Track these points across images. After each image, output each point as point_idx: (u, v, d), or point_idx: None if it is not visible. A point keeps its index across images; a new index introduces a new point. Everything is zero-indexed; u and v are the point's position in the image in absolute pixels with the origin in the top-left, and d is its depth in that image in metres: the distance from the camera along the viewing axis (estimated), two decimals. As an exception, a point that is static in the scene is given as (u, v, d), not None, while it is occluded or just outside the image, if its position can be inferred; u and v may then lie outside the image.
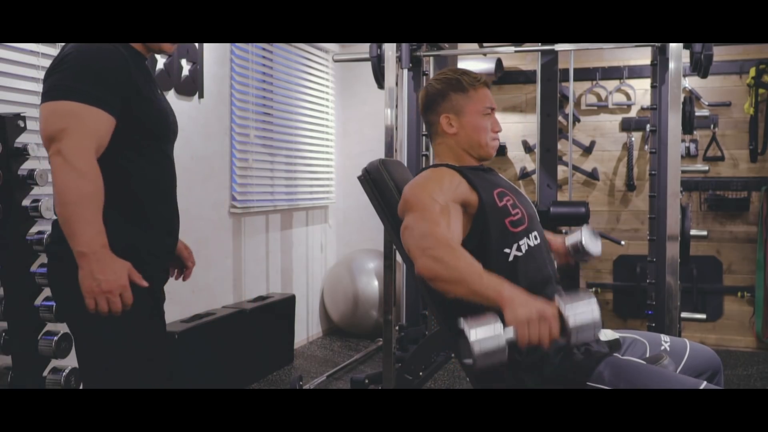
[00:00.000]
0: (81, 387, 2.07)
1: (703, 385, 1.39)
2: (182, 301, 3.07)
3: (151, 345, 1.49)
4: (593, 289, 4.27)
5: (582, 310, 1.23)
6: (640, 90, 4.18)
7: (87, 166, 1.32)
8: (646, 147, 4.07)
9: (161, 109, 1.52)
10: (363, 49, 3.04)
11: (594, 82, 4.26)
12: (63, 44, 1.47)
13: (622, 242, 4.08)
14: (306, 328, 4.24)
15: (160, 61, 2.92)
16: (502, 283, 1.33)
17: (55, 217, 1.48)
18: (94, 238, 1.31)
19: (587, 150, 4.30)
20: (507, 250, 1.53)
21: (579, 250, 1.72)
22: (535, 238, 1.58)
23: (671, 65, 2.45)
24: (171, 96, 3.02)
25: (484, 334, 1.21)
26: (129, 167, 1.44)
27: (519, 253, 1.53)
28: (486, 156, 1.69)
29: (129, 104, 1.41)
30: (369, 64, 2.91)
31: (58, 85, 1.35)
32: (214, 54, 3.32)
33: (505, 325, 1.24)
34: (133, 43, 1.49)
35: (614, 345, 1.58)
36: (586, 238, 1.71)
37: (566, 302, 1.24)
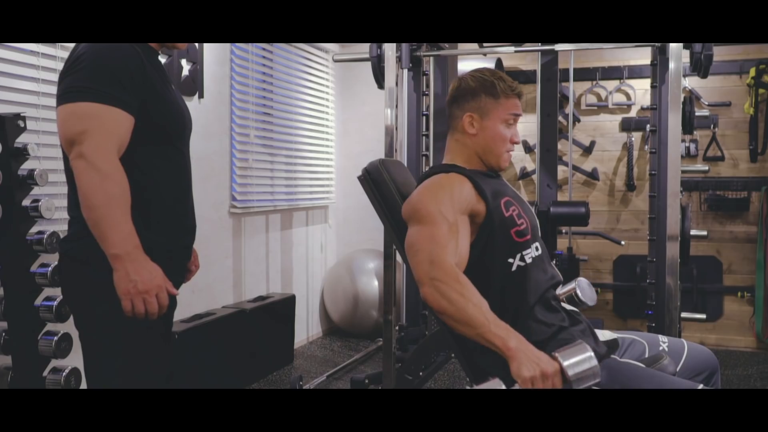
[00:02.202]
0: (82, 386, 2.07)
1: (699, 387, 1.39)
2: (182, 301, 3.06)
3: (156, 351, 1.48)
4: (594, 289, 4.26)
5: (580, 360, 1.29)
6: (640, 90, 4.18)
7: (111, 167, 1.30)
8: (646, 147, 4.07)
9: (177, 106, 1.50)
10: (363, 49, 3.04)
11: (594, 82, 4.26)
12: (68, 44, 1.45)
13: (622, 242, 4.09)
14: (306, 328, 4.24)
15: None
16: (509, 332, 1.34)
17: (65, 216, 1.47)
18: (126, 239, 1.30)
19: (587, 150, 4.30)
20: (510, 260, 1.52)
21: (573, 300, 1.67)
22: (536, 249, 1.58)
23: (671, 65, 2.45)
24: (171, 96, 3.02)
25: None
26: (145, 168, 1.42)
27: (522, 263, 1.53)
28: (497, 167, 1.67)
29: (146, 103, 1.39)
30: (369, 64, 2.91)
31: (74, 86, 1.33)
32: (214, 54, 3.32)
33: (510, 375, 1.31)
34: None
35: (612, 345, 1.58)
36: (580, 289, 1.68)
37: (565, 356, 1.30)
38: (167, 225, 1.48)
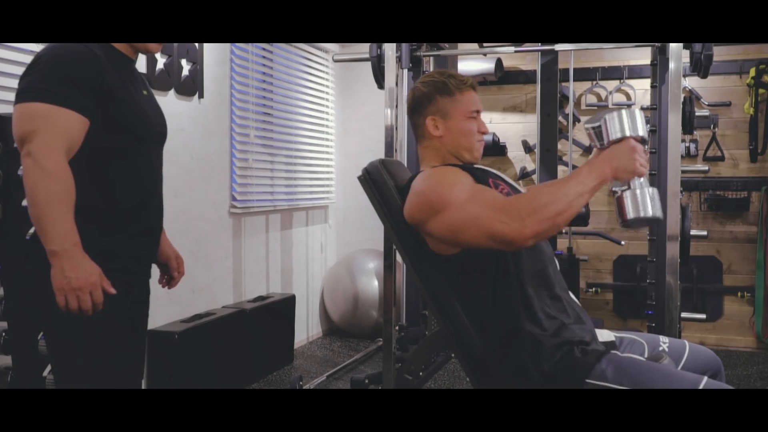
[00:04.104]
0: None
1: (704, 381, 1.39)
2: (182, 301, 3.07)
3: (124, 349, 1.49)
4: (593, 289, 4.26)
5: (633, 119, 1.42)
6: (640, 90, 4.18)
7: (55, 165, 1.33)
8: (646, 147, 4.07)
9: (141, 110, 1.51)
10: (363, 49, 3.04)
11: (594, 82, 4.26)
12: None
13: (622, 242, 4.09)
14: (306, 328, 4.24)
15: (160, 61, 2.92)
16: (589, 175, 1.40)
17: None
18: (65, 236, 1.33)
19: (587, 150, 4.30)
20: None
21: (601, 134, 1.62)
22: None
23: (671, 65, 2.45)
24: (171, 96, 3.02)
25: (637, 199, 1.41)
26: (106, 169, 1.45)
27: None
28: (471, 160, 1.68)
29: (104, 105, 1.42)
30: (369, 64, 2.91)
31: (28, 87, 1.37)
32: (214, 54, 3.32)
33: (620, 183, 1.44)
34: (118, 44, 1.50)
35: (609, 345, 1.58)
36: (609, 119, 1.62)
37: (618, 122, 1.42)
38: (127, 227, 1.49)
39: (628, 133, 1.40)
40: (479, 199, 1.44)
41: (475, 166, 1.69)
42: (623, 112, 1.42)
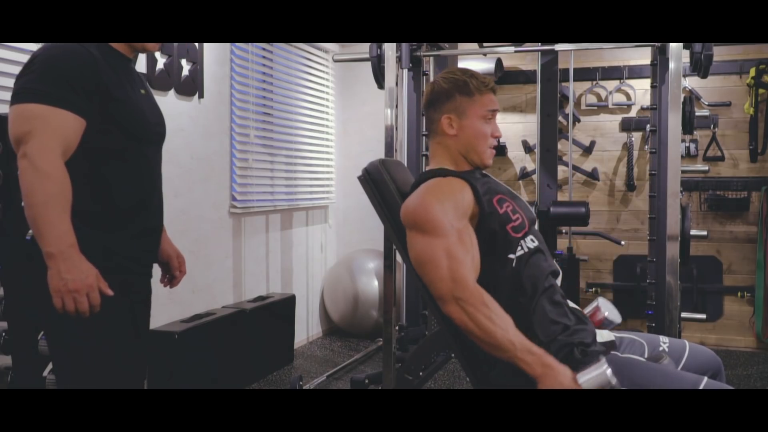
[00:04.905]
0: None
1: (704, 381, 1.39)
2: (182, 301, 3.07)
3: (125, 349, 1.49)
4: (593, 289, 4.27)
5: (594, 376, 1.34)
6: (640, 90, 4.18)
7: (51, 167, 1.33)
8: (646, 147, 4.07)
9: (138, 110, 1.51)
10: (363, 49, 3.04)
11: (594, 82, 4.26)
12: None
13: (622, 242, 4.09)
14: (306, 328, 4.24)
15: (160, 60, 2.92)
16: (534, 357, 1.37)
17: None
18: (61, 238, 1.33)
19: (587, 150, 4.30)
20: (511, 255, 1.53)
21: (603, 323, 1.70)
22: (532, 241, 1.58)
23: (671, 65, 2.45)
24: (171, 96, 3.02)
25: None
26: (104, 170, 1.44)
27: (521, 255, 1.54)
28: (481, 165, 1.67)
29: (100, 105, 1.41)
30: (369, 64, 2.91)
31: (24, 87, 1.36)
32: (214, 54, 3.32)
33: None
34: (115, 43, 1.49)
35: (609, 346, 1.58)
36: (607, 311, 1.70)
37: (582, 374, 1.35)
38: (126, 227, 1.49)
39: (587, 386, 1.34)
40: (453, 253, 1.45)
41: (484, 173, 1.69)
42: (609, 377, 1.33)
